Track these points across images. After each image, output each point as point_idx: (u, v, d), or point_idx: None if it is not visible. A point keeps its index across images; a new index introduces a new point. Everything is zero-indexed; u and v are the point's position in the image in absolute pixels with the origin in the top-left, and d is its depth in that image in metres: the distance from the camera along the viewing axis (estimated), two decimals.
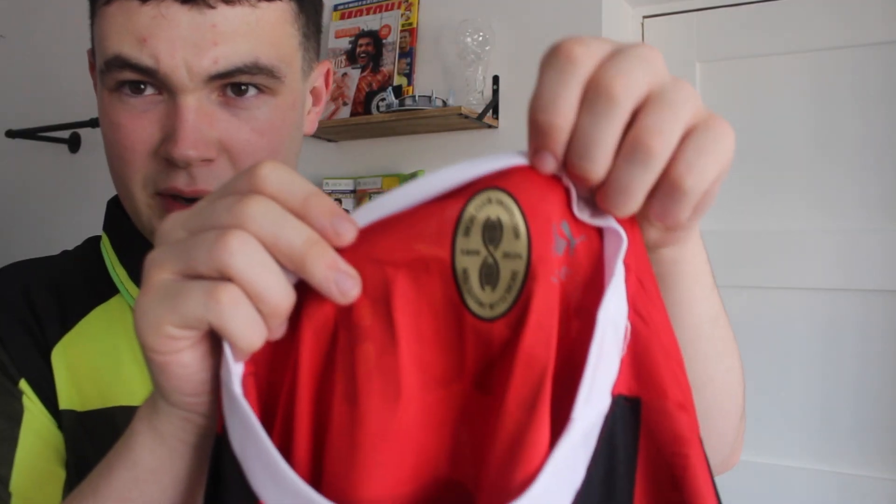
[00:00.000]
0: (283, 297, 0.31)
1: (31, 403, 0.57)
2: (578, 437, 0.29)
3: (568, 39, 0.32)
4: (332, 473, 0.30)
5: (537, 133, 0.31)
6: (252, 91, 0.56)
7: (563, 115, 0.30)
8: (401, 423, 0.30)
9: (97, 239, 0.68)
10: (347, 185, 2.12)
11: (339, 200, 2.13)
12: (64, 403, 0.58)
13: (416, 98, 1.90)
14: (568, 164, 0.31)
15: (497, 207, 0.31)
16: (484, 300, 0.31)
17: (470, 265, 0.31)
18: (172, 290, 0.32)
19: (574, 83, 0.31)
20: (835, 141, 1.78)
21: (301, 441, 0.31)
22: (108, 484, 0.38)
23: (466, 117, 1.85)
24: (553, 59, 0.32)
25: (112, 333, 0.60)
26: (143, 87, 0.55)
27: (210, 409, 0.35)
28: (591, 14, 1.85)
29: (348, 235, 0.31)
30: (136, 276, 0.61)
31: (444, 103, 1.91)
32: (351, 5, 2.18)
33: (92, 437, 0.57)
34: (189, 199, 0.56)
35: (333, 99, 2.12)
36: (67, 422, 0.57)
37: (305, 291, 0.32)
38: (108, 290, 0.63)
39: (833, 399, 1.78)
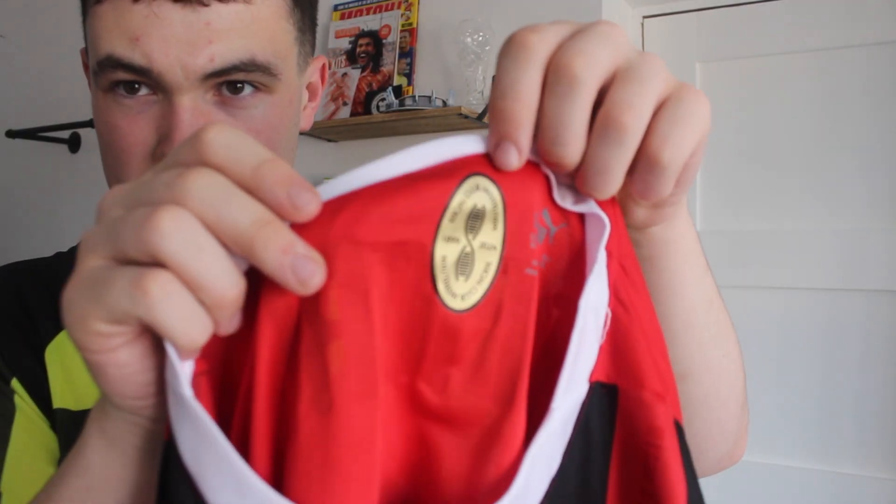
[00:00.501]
0: (228, 284, 0.26)
1: (24, 402, 0.57)
2: (557, 427, 0.29)
3: (523, 28, 0.31)
4: (303, 491, 0.26)
5: (498, 120, 0.29)
6: (248, 89, 0.56)
7: (524, 99, 0.29)
8: (378, 427, 0.27)
9: None
10: None
11: None
12: (58, 402, 0.57)
13: (416, 98, 1.90)
14: (540, 151, 0.30)
15: (483, 195, 0.29)
16: (457, 291, 0.29)
17: (449, 253, 0.29)
18: (99, 278, 0.27)
19: (531, 67, 0.29)
20: (836, 141, 1.78)
21: (259, 454, 0.27)
22: (60, 494, 0.35)
23: (466, 117, 1.85)
24: (508, 48, 0.31)
25: None
26: (137, 87, 0.55)
27: (160, 412, 0.31)
28: (591, 14, 1.85)
29: (309, 208, 0.27)
30: None
31: (444, 103, 1.91)
32: (351, 5, 2.18)
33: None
34: None
35: (333, 99, 2.12)
36: (62, 420, 0.57)
37: (264, 277, 0.27)
38: None
39: (834, 399, 1.78)
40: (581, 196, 0.31)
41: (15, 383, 0.57)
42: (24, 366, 0.58)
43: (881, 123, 1.74)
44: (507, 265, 0.30)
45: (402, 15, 2.09)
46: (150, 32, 0.52)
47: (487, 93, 1.96)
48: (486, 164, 0.30)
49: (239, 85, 0.55)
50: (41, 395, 0.57)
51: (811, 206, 1.81)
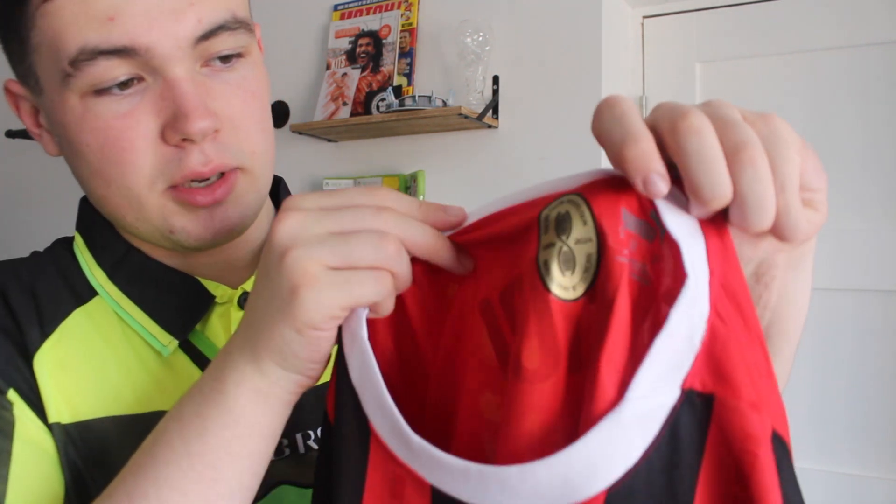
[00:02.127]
0: (410, 281, 0.41)
1: (22, 413, 0.53)
2: (628, 418, 0.31)
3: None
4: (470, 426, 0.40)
5: (633, 163, 0.33)
6: (234, 57, 0.54)
7: (644, 135, 0.34)
8: (517, 408, 0.35)
9: (69, 240, 0.64)
10: (347, 185, 2.12)
11: None
12: (52, 416, 0.53)
13: (416, 98, 1.90)
14: (695, 194, 0.33)
15: (567, 205, 0.36)
16: (566, 284, 0.35)
17: (549, 256, 0.36)
18: (341, 279, 0.38)
19: (633, 115, 0.35)
20: (833, 141, 1.78)
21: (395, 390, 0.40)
22: (205, 443, 0.42)
23: (466, 117, 1.85)
24: (599, 111, 0.36)
25: (96, 338, 0.57)
26: (125, 81, 0.51)
27: (319, 372, 0.42)
28: (591, 14, 1.85)
29: (460, 216, 0.41)
30: (117, 278, 0.58)
31: (444, 103, 1.91)
32: (351, 5, 2.18)
33: (82, 449, 0.53)
34: (204, 181, 0.54)
35: (333, 99, 2.12)
36: (56, 434, 0.53)
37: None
38: (86, 292, 0.59)
39: (829, 398, 1.78)
40: (681, 215, 0.35)
41: (11, 394, 0.53)
42: (18, 376, 0.54)
43: (878, 124, 1.75)
44: (606, 251, 0.34)
45: (402, 15, 2.09)
46: (125, 9, 0.49)
47: (487, 93, 1.96)
48: (579, 186, 0.36)
49: (226, 55, 0.53)
50: (37, 405, 0.54)
51: None
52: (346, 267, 0.39)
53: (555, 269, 0.35)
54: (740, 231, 0.35)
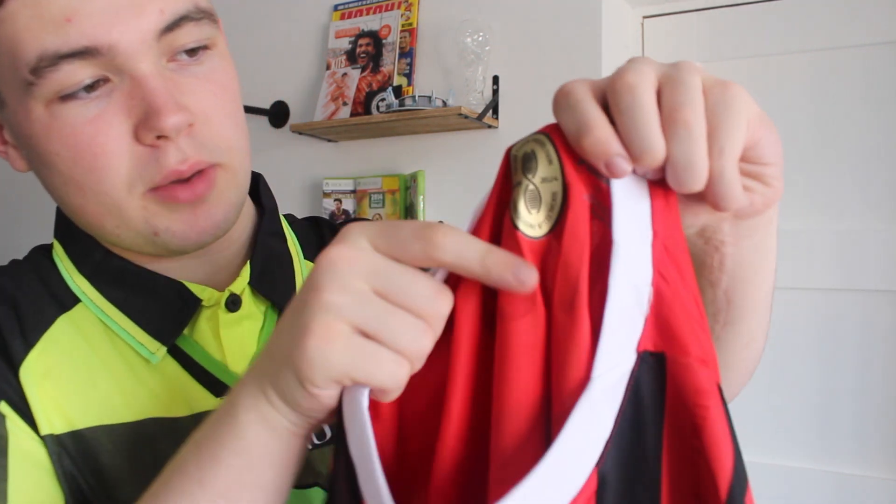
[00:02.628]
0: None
1: (15, 426, 0.51)
2: (598, 395, 0.32)
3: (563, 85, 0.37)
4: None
5: (592, 150, 0.34)
6: (200, 49, 0.53)
7: (600, 123, 0.34)
8: (509, 346, 0.35)
9: (47, 247, 0.62)
10: (347, 185, 2.12)
11: (338, 200, 2.13)
12: (44, 428, 0.52)
13: (416, 98, 1.90)
14: (635, 161, 0.34)
15: (533, 144, 0.36)
16: (532, 222, 0.36)
17: (517, 195, 0.36)
18: (362, 349, 0.35)
19: (588, 101, 0.35)
20: (835, 141, 1.78)
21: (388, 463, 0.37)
22: (217, 472, 0.40)
23: (466, 117, 1.85)
24: (557, 100, 0.36)
25: (82, 346, 0.55)
26: (91, 84, 0.48)
27: (327, 417, 0.39)
28: (591, 14, 1.85)
29: (531, 281, 0.35)
30: (100, 284, 0.57)
31: (444, 103, 1.91)
32: (351, 5, 2.18)
33: (77, 458, 0.52)
34: (186, 180, 0.52)
35: (333, 99, 2.12)
36: (49, 445, 0.52)
37: None
38: (68, 299, 0.57)
39: (833, 399, 1.78)
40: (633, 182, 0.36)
41: (4, 407, 0.51)
42: (7, 388, 0.52)
43: (880, 124, 1.74)
44: (570, 190, 0.35)
45: (402, 15, 2.09)
46: (81, 8, 0.46)
47: (487, 93, 1.96)
48: (545, 127, 0.37)
49: (191, 47, 0.52)
50: (29, 418, 0.52)
51: (810, 206, 1.81)
52: (373, 337, 0.35)
53: (521, 207, 0.35)
54: (678, 193, 0.35)
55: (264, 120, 2.29)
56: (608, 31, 1.87)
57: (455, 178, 2.02)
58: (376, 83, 2.08)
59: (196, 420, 0.54)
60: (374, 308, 0.35)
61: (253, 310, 0.60)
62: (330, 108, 2.11)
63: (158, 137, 0.49)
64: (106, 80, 0.49)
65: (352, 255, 0.36)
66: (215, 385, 0.57)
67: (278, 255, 0.64)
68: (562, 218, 0.35)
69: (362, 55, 2.13)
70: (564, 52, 1.89)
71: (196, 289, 0.58)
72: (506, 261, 0.35)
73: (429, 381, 0.38)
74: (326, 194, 2.13)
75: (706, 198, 0.34)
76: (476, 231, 0.38)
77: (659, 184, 0.35)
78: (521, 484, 0.31)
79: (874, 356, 1.74)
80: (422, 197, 2.01)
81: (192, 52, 0.52)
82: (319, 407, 0.38)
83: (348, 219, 2.12)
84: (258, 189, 0.67)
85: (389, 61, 2.08)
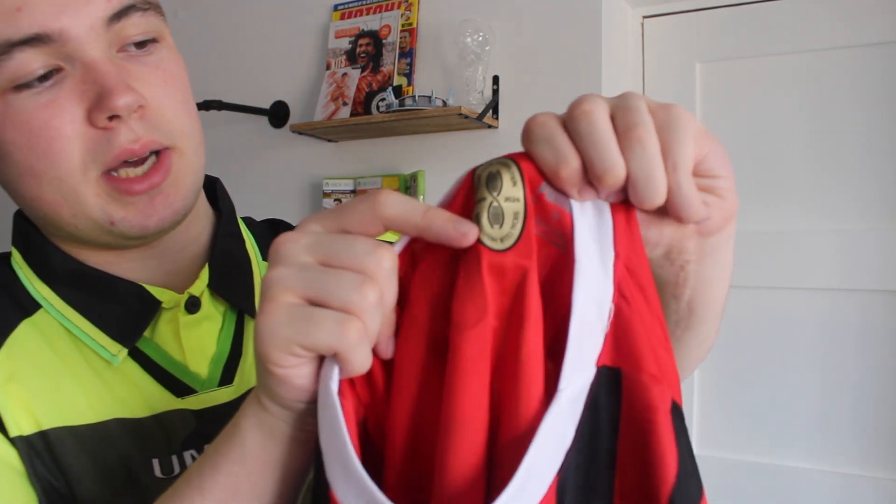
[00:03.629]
0: (388, 340, 0.39)
1: None
2: (565, 405, 0.34)
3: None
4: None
5: (555, 174, 0.37)
6: (149, 42, 0.54)
7: (564, 145, 0.37)
8: (458, 359, 0.36)
9: (5, 255, 0.62)
10: (347, 185, 2.12)
11: (338, 201, 2.13)
12: (12, 430, 0.52)
13: (416, 98, 1.90)
14: (596, 182, 0.36)
15: (499, 166, 0.38)
16: (495, 235, 0.37)
17: (480, 210, 0.37)
18: (304, 314, 0.36)
19: (555, 127, 0.37)
20: (834, 141, 1.78)
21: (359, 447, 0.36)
22: (216, 480, 0.41)
23: (466, 117, 1.85)
24: (525, 132, 0.38)
25: (45, 349, 0.55)
26: (43, 74, 0.49)
27: (314, 409, 0.39)
28: (591, 14, 1.85)
29: (472, 234, 0.37)
30: (59, 289, 0.57)
31: (444, 103, 1.91)
32: (351, 5, 2.18)
33: (47, 459, 0.52)
34: (138, 163, 0.53)
35: (333, 99, 2.12)
36: (20, 448, 0.52)
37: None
38: (30, 305, 0.57)
39: (833, 399, 1.78)
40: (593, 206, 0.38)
41: None
42: None
43: (880, 124, 1.74)
44: (529, 213, 0.37)
45: (402, 15, 2.09)
46: None
47: (487, 93, 1.96)
48: (510, 154, 0.38)
49: (140, 40, 0.53)
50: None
51: (809, 207, 1.81)
52: (317, 302, 0.36)
53: (484, 220, 0.37)
54: (641, 211, 0.38)
55: (264, 120, 2.29)
56: (608, 31, 1.87)
57: (455, 178, 2.02)
58: (376, 83, 2.08)
59: (158, 420, 0.56)
60: (313, 273, 0.37)
61: (212, 311, 0.61)
62: (330, 108, 2.11)
63: (111, 119, 0.51)
64: (59, 70, 0.50)
65: (296, 236, 0.38)
66: (176, 386, 0.58)
67: (236, 256, 0.64)
68: (521, 237, 0.37)
69: (362, 55, 2.13)
70: (564, 52, 1.89)
71: (156, 291, 0.58)
72: (447, 215, 0.37)
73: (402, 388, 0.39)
74: (326, 194, 2.14)
75: (669, 211, 0.37)
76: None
77: (620, 208, 0.37)
78: (504, 492, 0.32)
79: (874, 356, 1.74)
80: (422, 197, 2.01)
81: (140, 44, 0.53)
82: (294, 391, 0.38)
83: None
84: (216, 193, 0.68)
85: (389, 61, 2.08)
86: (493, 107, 1.93)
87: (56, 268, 0.58)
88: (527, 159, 0.38)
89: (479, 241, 0.37)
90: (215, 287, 0.61)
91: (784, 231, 1.82)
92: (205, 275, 0.61)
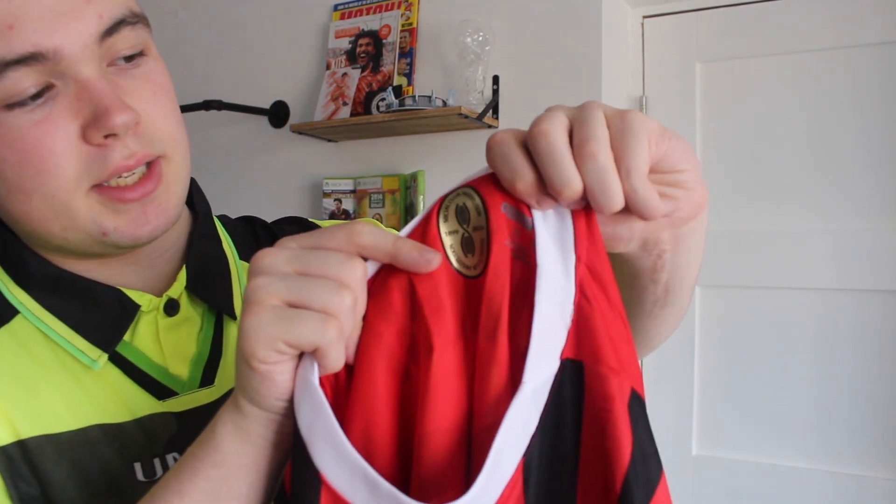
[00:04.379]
0: (357, 337, 0.42)
1: None
2: (529, 395, 0.37)
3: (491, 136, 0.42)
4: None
5: (520, 192, 0.40)
6: (136, 55, 0.54)
7: (522, 168, 0.40)
8: (437, 371, 0.40)
9: None
10: (347, 185, 2.12)
11: (338, 200, 2.13)
12: None
13: (416, 98, 1.90)
14: (557, 196, 0.39)
15: (464, 197, 0.42)
16: (468, 263, 0.42)
17: (453, 241, 0.42)
18: (288, 314, 0.39)
19: (513, 148, 0.40)
20: (833, 141, 1.78)
21: (351, 431, 0.40)
22: (195, 484, 0.42)
23: (466, 117, 1.85)
24: (489, 151, 0.42)
25: (23, 357, 0.55)
26: (36, 92, 0.49)
27: (290, 410, 0.41)
28: (591, 14, 1.85)
29: (436, 261, 0.41)
30: (37, 294, 0.57)
31: (444, 103, 1.91)
32: (351, 5, 2.18)
33: (24, 470, 0.52)
34: (130, 174, 0.53)
35: (333, 99, 2.12)
36: None
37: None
38: (7, 311, 0.57)
39: (830, 399, 1.78)
40: (556, 214, 0.41)
41: None
42: None
43: (879, 124, 1.74)
44: (492, 237, 0.41)
45: (402, 15, 2.09)
46: (21, 15, 0.47)
47: (487, 93, 1.96)
48: (471, 181, 0.43)
49: (129, 54, 0.53)
50: None
51: (807, 207, 1.81)
52: (298, 305, 0.39)
53: (459, 252, 0.42)
54: (611, 214, 0.40)
55: (264, 120, 2.29)
56: (608, 31, 1.87)
57: (455, 178, 2.00)
58: (376, 83, 2.08)
59: (140, 424, 0.56)
60: (293, 280, 0.40)
61: (191, 313, 0.61)
62: (330, 108, 2.11)
63: (106, 137, 0.51)
64: (50, 87, 0.50)
65: (275, 251, 0.41)
66: (157, 388, 0.58)
67: (213, 257, 0.65)
68: (489, 261, 0.40)
69: (362, 55, 2.13)
70: (564, 52, 1.89)
71: (134, 295, 0.58)
72: (414, 244, 0.41)
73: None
74: (326, 194, 2.14)
75: (633, 212, 0.39)
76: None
77: (581, 213, 0.40)
78: (480, 474, 0.35)
79: (871, 356, 1.74)
80: (422, 197, 2.01)
81: (129, 58, 0.53)
82: (274, 388, 0.40)
83: (347, 218, 2.12)
84: (191, 193, 0.67)
85: (389, 61, 2.08)
86: (493, 107, 1.93)
87: (33, 273, 0.57)
88: (486, 183, 0.42)
89: (456, 270, 0.41)
90: (193, 289, 0.61)
91: (783, 231, 1.82)
92: (182, 277, 0.61)
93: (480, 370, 0.39)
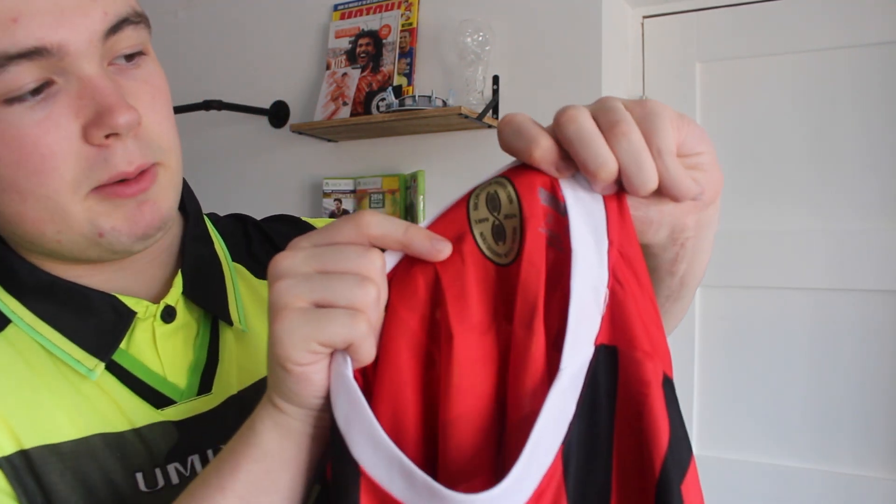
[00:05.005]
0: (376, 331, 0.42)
1: None
2: (567, 382, 0.38)
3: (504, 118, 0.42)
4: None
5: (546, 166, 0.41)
6: (136, 55, 0.53)
7: (545, 142, 0.40)
8: (459, 358, 0.40)
9: None
10: (347, 185, 2.12)
11: (339, 200, 2.13)
12: None
13: (416, 98, 1.90)
14: (591, 179, 0.40)
15: (495, 186, 0.42)
16: (500, 251, 0.41)
17: (484, 230, 0.42)
18: (317, 314, 0.40)
19: (536, 128, 0.41)
20: (833, 141, 1.78)
21: (384, 421, 0.40)
22: (237, 478, 0.43)
23: (466, 117, 1.85)
24: (503, 129, 0.42)
25: (20, 366, 0.53)
26: (36, 87, 0.48)
27: (327, 405, 0.42)
28: (591, 14, 1.85)
29: (446, 250, 0.41)
30: (29, 302, 0.55)
31: (444, 103, 1.91)
32: (351, 5, 2.18)
33: (29, 479, 0.51)
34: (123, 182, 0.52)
35: (333, 99, 2.12)
36: (5, 469, 0.50)
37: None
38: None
39: (828, 399, 1.78)
40: (587, 197, 0.41)
41: None
42: None
43: (878, 124, 1.74)
44: (526, 225, 0.40)
45: (402, 15, 2.09)
46: (26, 8, 0.46)
47: (487, 93, 1.96)
48: (503, 171, 0.43)
49: (130, 53, 0.52)
50: None
51: (807, 207, 1.81)
52: (325, 304, 0.40)
53: (490, 239, 0.42)
54: (638, 198, 0.41)
55: (264, 120, 2.29)
56: (608, 31, 1.88)
57: (455, 178, 2.02)
58: (376, 83, 2.08)
59: (140, 434, 0.54)
60: (316, 280, 0.40)
61: (188, 319, 0.60)
62: (330, 107, 2.11)
63: (107, 136, 0.50)
64: (50, 83, 0.48)
65: (291, 252, 0.42)
66: (155, 397, 0.56)
67: (207, 259, 0.64)
68: (521, 248, 0.40)
69: (362, 55, 2.13)
70: (564, 52, 1.89)
71: (130, 301, 0.57)
72: (425, 233, 0.42)
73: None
74: (326, 194, 2.14)
75: (665, 194, 0.40)
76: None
77: (612, 198, 0.41)
78: (518, 462, 0.35)
79: (869, 355, 1.74)
80: (422, 197, 2.01)
81: (129, 57, 0.52)
82: (311, 387, 0.41)
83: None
84: (182, 195, 0.65)
85: (389, 61, 2.08)
86: (493, 107, 1.94)
87: (24, 280, 0.55)
88: (517, 171, 0.42)
89: (487, 257, 0.42)
90: (190, 294, 0.60)
91: (782, 231, 1.82)
92: (178, 283, 0.60)
93: (516, 358, 0.39)
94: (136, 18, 0.52)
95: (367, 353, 0.41)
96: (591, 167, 0.38)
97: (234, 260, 0.67)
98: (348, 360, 0.41)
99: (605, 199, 0.40)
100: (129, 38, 0.52)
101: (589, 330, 0.39)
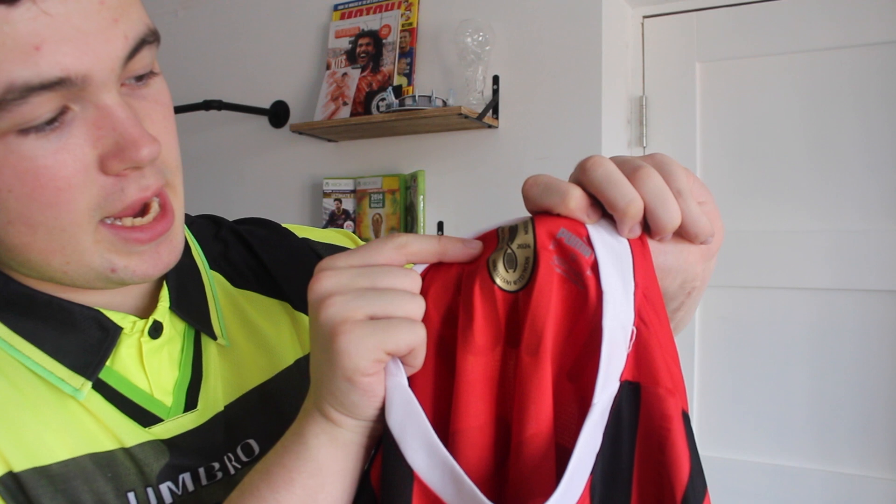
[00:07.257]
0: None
1: None
2: (597, 417, 0.40)
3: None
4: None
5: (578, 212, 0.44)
6: (147, 74, 0.50)
7: (576, 193, 0.44)
8: (466, 376, 0.44)
9: None
10: (347, 185, 2.12)
11: (338, 200, 2.13)
12: None
13: (416, 98, 1.90)
14: (654, 227, 0.43)
15: (517, 221, 0.45)
16: (508, 279, 0.44)
17: (497, 257, 0.45)
18: (380, 325, 0.42)
19: (568, 185, 0.45)
20: (833, 141, 1.78)
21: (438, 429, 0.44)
22: (292, 492, 0.45)
23: (466, 117, 1.85)
24: (530, 189, 0.46)
25: (5, 387, 0.51)
26: (51, 117, 0.44)
27: (381, 416, 0.45)
28: (591, 14, 1.85)
29: (476, 250, 0.46)
30: (8, 319, 0.52)
31: (444, 103, 1.91)
32: (351, 5, 2.18)
33: (22, 501, 0.49)
34: (144, 211, 0.50)
35: (333, 99, 2.12)
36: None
37: None
38: None
39: (829, 399, 1.78)
40: (612, 241, 0.44)
41: None
42: None
43: (878, 124, 1.74)
44: (539, 257, 0.43)
45: (402, 15, 2.09)
46: (49, 35, 0.42)
47: (487, 93, 1.96)
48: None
49: (141, 73, 0.49)
50: None
51: (808, 207, 1.81)
52: (382, 316, 0.43)
53: (500, 266, 0.44)
54: (661, 240, 0.44)
55: (264, 120, 2.29)
56: (608, 31, 1.88)
57: (455, 178, 2.02)
58: (376, 83, 2.08)
59: (129, 454, 0.52)
60: (370, 295, 0.43)
61: (173, 333, 0.58)
62: (330, 107, 2.11)
63: (127, 168, 0.48)
64: (65, 110, 0.45)
65: (333, 272, 0.44)
66: (142, 415, 0.55)
67: (188, 268, 0.62)
68: (532, 279, 0.43)
69: (362, 55, 2.13)
70: (564, 52, 1.89)
71: (116, 317, 0.55)
72: (457, 239, 0.46)
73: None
74: (326, 194, 2.14)
75: (684, 234, 0.43)
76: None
77: (636, 243, 0.44)
78: (556, 491, 0.38)
79: (871, 355, 1.74)
80: (422, 197, 2.01)
81: (139, 76, 0.50)
82: (374, 398, 0.43)
83: (348, 218, 2.11)
84: None
85: (389, 61, 2.08)
86: (493, 107, 1.94)
87: (14, 307, 0.53)
88: (546, 215, 0.45)
89: (494, 282, 0.44)
90: (177, 308, 0.58)
91: (783, 231, 1.82)
92: (165, 296, 0.58)
93: (521, 384, 0.42)
94: (150, 38, 0.49)
95: (422, 359, 0.44)
96: (621, 205, 0.41)
97: (211, 268, 0.65)
98: (401, 368, 0.44)
99: (631, 243, 0.43)
100: (144, 59, 0.49)
101: (616, 367, 0.41)
